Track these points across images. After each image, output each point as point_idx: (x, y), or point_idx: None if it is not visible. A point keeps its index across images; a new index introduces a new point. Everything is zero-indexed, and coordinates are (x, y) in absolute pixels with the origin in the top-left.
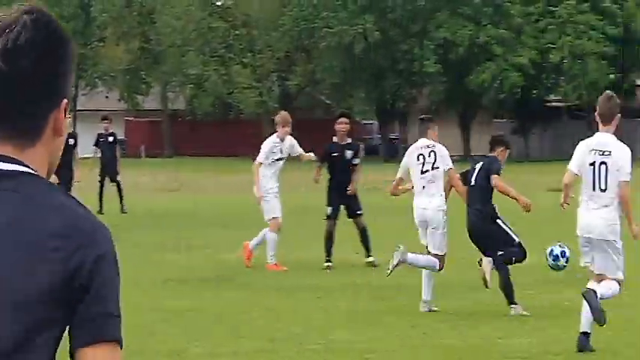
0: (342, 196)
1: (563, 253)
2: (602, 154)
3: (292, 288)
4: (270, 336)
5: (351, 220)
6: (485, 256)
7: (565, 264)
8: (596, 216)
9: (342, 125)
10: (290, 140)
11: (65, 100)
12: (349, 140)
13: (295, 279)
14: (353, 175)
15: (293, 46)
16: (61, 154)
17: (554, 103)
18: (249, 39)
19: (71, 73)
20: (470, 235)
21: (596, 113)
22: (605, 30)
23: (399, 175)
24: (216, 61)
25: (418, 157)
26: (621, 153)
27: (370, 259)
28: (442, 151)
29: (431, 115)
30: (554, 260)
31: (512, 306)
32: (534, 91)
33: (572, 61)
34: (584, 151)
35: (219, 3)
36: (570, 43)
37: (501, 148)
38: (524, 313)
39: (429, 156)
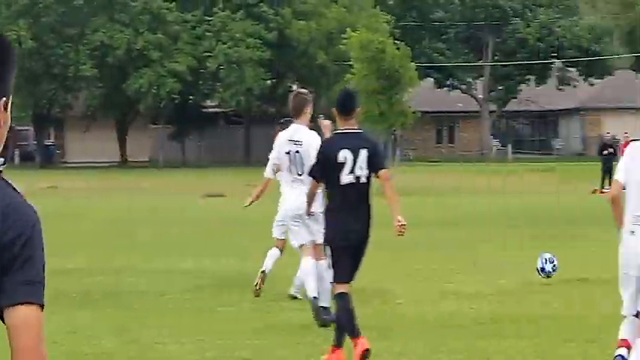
0: None
1: (553, 268)
2: (296, 144)
3: None
4: None
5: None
6: None
7: (552, 270)
8: (299, 196)
9: None
10: None
11: (4, 99)
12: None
13: None
14: None
15: None
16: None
17: (211, 109)
18: None
19: (10, 75)
20: None
21: (290, 108)
22: (262, 35)
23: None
24: None
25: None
26: (312, 141)
27: None
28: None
29: None
30: (547, 276)
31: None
32: (191, 98)
33: (229, 68)
34: (282, 142)
35: None
36: (226, 51)
37: None
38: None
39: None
